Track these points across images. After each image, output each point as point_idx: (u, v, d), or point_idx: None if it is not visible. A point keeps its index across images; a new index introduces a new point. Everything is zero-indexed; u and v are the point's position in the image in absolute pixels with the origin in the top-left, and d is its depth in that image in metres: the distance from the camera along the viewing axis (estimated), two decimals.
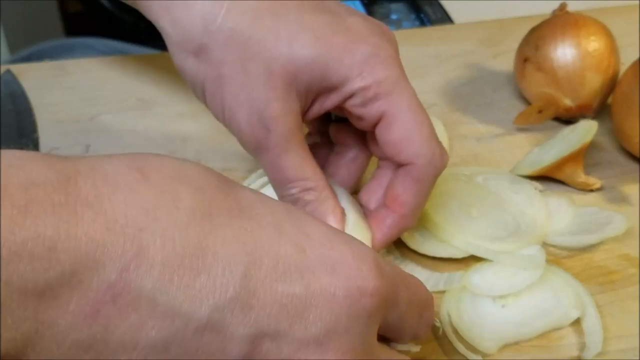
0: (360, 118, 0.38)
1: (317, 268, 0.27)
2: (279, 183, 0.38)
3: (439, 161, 0.38)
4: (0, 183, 0.22)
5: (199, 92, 0.39)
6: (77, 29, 1.49)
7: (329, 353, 0.27)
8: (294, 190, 0.38)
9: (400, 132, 0.37)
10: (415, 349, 0.34)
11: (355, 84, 0.37)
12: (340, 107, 0.38)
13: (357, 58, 0.37)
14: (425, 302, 0.32)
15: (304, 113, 0.38)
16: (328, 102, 0.38)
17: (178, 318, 0.24)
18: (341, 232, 0.31)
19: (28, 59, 0.85)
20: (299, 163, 0.37)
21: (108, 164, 0.26)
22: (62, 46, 0.87)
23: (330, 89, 0.37)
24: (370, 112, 0.37)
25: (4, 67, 0.57)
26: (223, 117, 0.38)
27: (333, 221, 0.38)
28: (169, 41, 0.39)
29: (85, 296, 0.23)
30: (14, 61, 0.84)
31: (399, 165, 0.38)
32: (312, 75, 0.37)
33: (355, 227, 0.38)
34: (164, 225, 0.25)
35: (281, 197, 0.39)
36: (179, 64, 0.39)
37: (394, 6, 0.73)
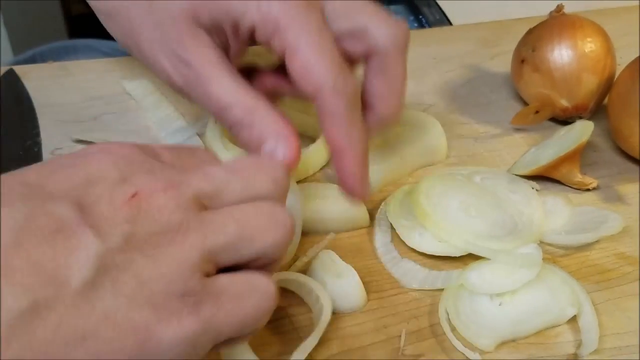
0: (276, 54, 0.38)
1: None
2: (219, 111, 0.38)
3: (343, 85, 0.36)
4: None
5: (128, 48, 0.43)
6: (80, 31, 1.50)
7: None
8: (236, 112, 0.37)
9: (300, 62, 0.36)
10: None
11: (254, 17, 0.37)
12: (255, 42, 0.39)
13: None
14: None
15: (228, 51, 0.40)
16: (240, 38, 0.39)
17: None
18: None
19: (31, 60, 0.85)
20: (232, 88, 0.37)
21: None
22: (65, 47, 0.87)
23: (235, 24, 0.38)
24: (275, 45, 0.37)
25: (7, 68, 0.57)
26: (152, 66, 0.41)
27: (284, 140, 0.36)
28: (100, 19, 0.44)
29: None
30: (18, 62, 0.84)
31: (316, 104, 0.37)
32: (212, 11, 0.38)
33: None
34: None
35: (228, 128, 0.38)
36: (108, 29, 0.44)
37: (393, 8, 0.74)
